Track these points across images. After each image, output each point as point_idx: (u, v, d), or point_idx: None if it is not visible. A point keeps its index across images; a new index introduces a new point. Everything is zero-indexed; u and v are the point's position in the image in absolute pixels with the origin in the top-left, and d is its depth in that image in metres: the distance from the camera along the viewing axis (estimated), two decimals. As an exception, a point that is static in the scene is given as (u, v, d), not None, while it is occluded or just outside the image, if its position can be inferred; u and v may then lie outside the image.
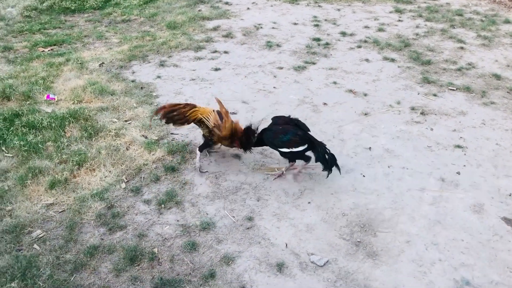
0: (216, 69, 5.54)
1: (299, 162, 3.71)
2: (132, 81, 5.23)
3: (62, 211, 3.33)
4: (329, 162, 3.55)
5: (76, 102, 4.71)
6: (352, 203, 3.46)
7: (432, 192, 3.58)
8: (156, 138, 4.16)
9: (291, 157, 3.65)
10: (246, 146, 3.73)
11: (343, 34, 6.66)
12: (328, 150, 3.59)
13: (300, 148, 3.53)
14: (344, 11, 7.75)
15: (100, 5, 8.06)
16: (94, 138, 4.10)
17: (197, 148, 3.80)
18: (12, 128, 4.19)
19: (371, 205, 3.45)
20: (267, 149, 4.05)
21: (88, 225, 3.22)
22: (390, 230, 3.23)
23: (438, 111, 4.67)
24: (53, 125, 4.23)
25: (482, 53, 6.05)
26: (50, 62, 5.61)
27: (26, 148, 3.90)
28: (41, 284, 2.76)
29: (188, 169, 3.80)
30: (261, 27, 6.94)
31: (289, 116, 3.76)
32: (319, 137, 4.19)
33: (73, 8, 7.87)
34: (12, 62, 5.70)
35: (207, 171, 3.79)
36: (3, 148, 3.94)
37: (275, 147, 3.63)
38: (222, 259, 2.98)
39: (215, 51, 6.05)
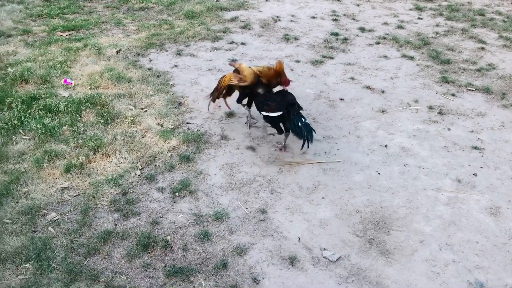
0: (233, 60, 5.52)
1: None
2: (149, 69, 5.24)
3: (77, 195, 3.36)
4: (303, 132, 3.62)
5: (93, 87, 4.73)
6: (367, 200, 3.44)
7: (448, 193, 3.55)
8: (172, 127, 4.16)
9: (270, 123, 3.84)
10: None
11: (362, 29, 6.60)
12: (304, 120, 3.67)
13: (275, 114, 3.69)
14: (364, 6, 7.67)
15: (119, -8, 8.06)
16: (110, 124, 4.11)
17: (242, 106, 4.21)
18: (29, 111, 4.21)
19: (385, 203, 3.42)
20: (282, 141, 4.04)
21: (102, 210, 3.24)
22: (404, 229, 3.20)
23: (456, 111, 4.61)
24: (70, 109, 4.25)
25: (503, 54, 5.95)
26: (68, 47, 5.63)
27: (42, 131, 3.93)
28: (55, 266, 2.78)
29: (202, 158, 3.80)
30: (279, 20, 6.90)
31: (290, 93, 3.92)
32: (334, 133, 4.18)
33: (92, -6, 7.89)
34: (30, 46, 5.74)
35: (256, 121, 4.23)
36: (21, 131, 3.97)
37: (258, 109, 3.88)
38: (234, 250, 2.98)
39: (232, 42, 6.03)
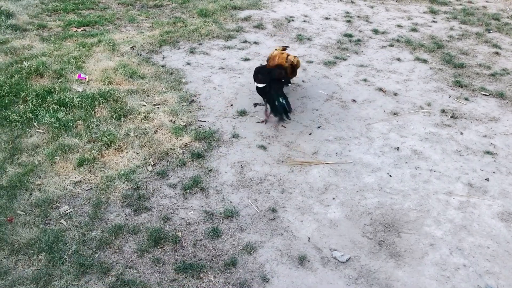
0: (246, 59, 5.54)
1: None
2: (162, 66, 5.27)
3: (89, 189, 3.39)
4: (278, 109, 4.00)
5: (106, 83, 4.76)
6: (377, 202, 3.43)
7: (459, 197, 3.53)
8: (184, 124, 4.19)
9: (258, 92, 4.30)
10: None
11: (375, 31, 6.58)
12: (282, 99, 4.01)
13: (259, 85, 4.18)
14: (377, 8, 7.64)
15: (133, -11, 8.10)
16: (123, 120, 4.14)
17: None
18: (44, 105, 4.26)
19: (396, 206, 3.41)
20: (294, 141, 4.04)
21: (114, 205, 3.27)
22: (415, 232, 3.19)
23: (469, 116, 4.58)
24: (84, 104, 4.29)
25: (517, 59, 5.90)
26: (82, 42, 5.68)
27: (56, 125, 3.97)
28: (67, 259, 2.81)
29: (214, 156, 3.81)
30: (293, 20, 6.90)
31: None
32: (346, 134, 4.18)
33: (106, -10, 7.94)
34: (45, 40, 5.79)
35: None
36: (35, 124, 4.01)
37: (254, 80, 4.33)
38: (244, 247, 2.99)
39: (245, 41, 6.04)
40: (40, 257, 2.81)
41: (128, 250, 2.93)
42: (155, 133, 4.01)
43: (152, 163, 3.68)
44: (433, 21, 7.14)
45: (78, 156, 3.66)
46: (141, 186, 3.45)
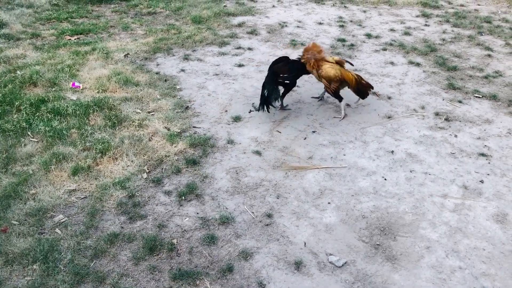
0: (240, 65, 5.55)
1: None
2: (156, 73, 5.27)
3: (84, 198, 3.38)
4: (261, 100, 4.32)
5: (100, 91, 4.76)
6: (373, 206, 3.44)
7: (454, 199, 3.54)
8: (179, 130, 4.18)
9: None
10: None
11: (369, 36, 6.61)
12: (266, 91, 4.28)
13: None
14: (370, 13, 7.69)
15: (127, -4, 8.13)
16: (117, 128, 4.14)
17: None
18: (38, 114, 4.25)
19: (391, 209, 3.42)
20: (289, 146, 4.05)
21: (109, 213, 3.26)
22: (410, 235, 3.20)
23: (463, 118, 4.61)
24: (78, 112, 4.29)
25: (510, 61, 5.94)
26: (76, 51, 5.68)
27: (51, 133, 3.96)
28: (62, 268, 2.80)
29: (209, 162, 3.81)
30: (286, 26, 6.93)
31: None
32: (341, 138, 4.19)
33: (100, -2, 7.96)
34: (39, 49, 5.79)
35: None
36: (29, 133, 4.00)
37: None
38: (240, 254, 2.99)
39: (239, 47, 6.06)
40: (35, 267, 2.79)
41: (124, 258, 2.92)
42: (150, 140, 4.01)
43: (147, 171, 3.67)
44: (426, 25, 7.19)
45: (72, 164, 3.65)
46: (136, 193, 3.44)
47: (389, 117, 4.56)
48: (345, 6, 8.00)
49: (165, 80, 5.10)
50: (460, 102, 4.91)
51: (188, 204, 3.38)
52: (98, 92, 4.75)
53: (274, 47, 6.11)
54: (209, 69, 5.44)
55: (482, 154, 4.06)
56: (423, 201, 3.51)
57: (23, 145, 3.86)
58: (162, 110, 4.48)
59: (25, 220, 3.14)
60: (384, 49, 6.17)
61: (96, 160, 3.72)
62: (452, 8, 8.12)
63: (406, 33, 6.76)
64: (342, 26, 7.00)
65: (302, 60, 4.44)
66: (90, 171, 3.61)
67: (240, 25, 6.86)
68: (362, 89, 4.52)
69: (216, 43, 6.16)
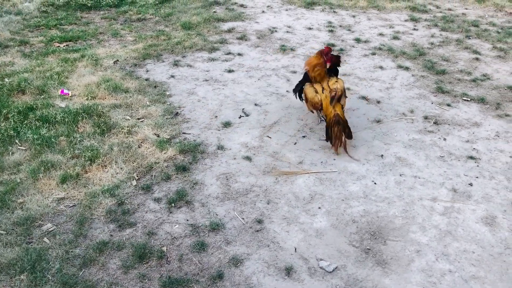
0: (230, 71, 5.55)
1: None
2: (146, 79, 5.26)
3: (72, 206, 3.35)
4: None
5: (89, 98, 4.74)
6: (363, 210, 3.44)
7: (444, 203, 3.55)
8: (168, 137, 4.17)
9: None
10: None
11: (358, 40, 6.65)
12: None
13: None
14: (359, 18, 7.73)
15: (116, 3, 8.10)
16: (106, 135, 4.12)
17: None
18: (26, 122, 4.22)
19: (381, 213, 3.43)
20: (279, 152, 4.05)
21: (98, 221, 3.23)
22: (400, 239, 3.20)
23: (452, 121, 4.64)
24: (67, 120, 4.26)
25: (497, 64, 6.00)
26: (65, 58, 5.65)
27: (39, 141, 3.93)
28: (50, 278, 2.77)
29: (199, 169, 3.80)
30: (276, 31, 6.95)
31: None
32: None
33: (89, 5, 7.93)
34: (27, 56, 5.75)
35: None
36: (17, 141, 3.97)
37: None
38: (230, 260, 2.97)
39: (229, 53, 6.06)
40: (22, 277, 2.76)
41: (113, 266, 2.90)
42: (139, 147, 3.99)
43: (137, 178, 3.65)
44: (414, 29, 7.25)
45: (61, 172, 3.62)
46: (125, 201, 3.42)
47: (378, 121, 4.58)
48: (334, 11, 8.04)
49: (155, 87, 5.09)
50: (448, 105, 4.94)
51: (178, 211, 3.36)
52: (87, 99, 4.72)
53: (264, 53, 6.13)
54: (199, 75, 5.44)
55: (471, 157, 4.09)
56: (412, 204, 3.52)
57: (10, 153, 3.82)
58: (152, 117, 4.47)
59: (13, 229, 3.10)
60: (373, 54, 6.21)
61: (85, 168, 3.70)
62: (440, 12, 8.20)
63: (395, 38, 6.81)
64: (331, 31, 7.03)
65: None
66: (79, 179, 3.59)
67: (230, 30, 6.87)
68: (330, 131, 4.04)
69: (206, 49, 6.17)
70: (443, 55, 6.22)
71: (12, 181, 3.51)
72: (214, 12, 7.72)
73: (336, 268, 2.96)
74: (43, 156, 3.79)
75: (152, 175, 3.69)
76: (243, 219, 3.32)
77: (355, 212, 3.43)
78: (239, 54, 6.04)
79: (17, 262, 2.84)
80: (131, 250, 3.00)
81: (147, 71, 5.49)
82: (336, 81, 4.17)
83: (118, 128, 4.21)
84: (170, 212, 3.35)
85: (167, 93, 4.98)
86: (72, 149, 3.88)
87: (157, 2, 8.21)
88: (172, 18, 7.39)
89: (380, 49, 6.38)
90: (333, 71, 4.34)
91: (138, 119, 4.42)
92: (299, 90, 4.48)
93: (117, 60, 5.70)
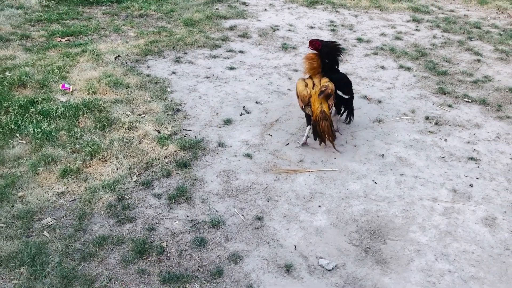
0: (231, 68, 5.54)
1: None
2: (147, 75, 5.25)
3: (72, 200, 3.34)
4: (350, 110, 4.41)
5: (90, 93, 4.73)
6: (363, 209, 3.44)
7: (444, 203, 3.55)
8: (169, 133, 4.16)
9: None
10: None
11: (360, 40, 6.65)
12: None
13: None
14: (361, 17, 7.73)
15: (118, -2, 8.09)
16: (107, 130, 4.11)
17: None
18: (26, 115, 4.21)
19: (381, 212, 3.43)
20: (280, 149, 4.05)
21: (98, 216, 3.23)
22: (400, 239, 3.20)
23: (453, 122, 4.64)
24: (67, 114, 4.25)
25: (499, 66, 6.01)
26: (66, 52, 5.64)
27: (39, 135, 3.92)
28: (50, 271, 2.76)
29: (199, 165, 3.79)
30: (278, 29, 6.94)
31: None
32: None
33: (91, 0, 7.91)
34: (29, 50, 5.74)
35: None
36: (17, 135, 3.96)
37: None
38: (230, 257, 2.97)
39: (231, 50, 6.05)
40: (22, 270, 2.75)
41: (113, 261, 2.89)
42: (140, 143, 3.98)
43: (137, 173, 3.65)
44: (416, 30, 7.25)
45: (61, 166, 3.61)
46: (125, 196, 3.41)
47: (379, 121, 4.58)
48: (336, 11, 8.04)
49: (156, 83, 5.08)
50: (450, 106, 4.94)
51: (178, 207, 3.36)
52: (88, 94, 4.71)
53: (265, 51, 6.12)
54: (200, 71, 5.43)
55: (472, 158, 4.09)
56: (413, 204, 3.52)
57: (11, 147, 3.82)
58: (153, 113, 4.46)
59: (13, 222, 3.10)
60: (375, 53, 6.21)
61: (86, 162, 3.69)
62: (443, 13, 8.20)
63: (397, 38, 6.81)
64: (333, 30, 7.03)
65: None
66: (79, 174, 3.58)
67: (231, 28, 6.87)
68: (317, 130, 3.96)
69: (208, 46, 6.16)
70: (445, 56, 6.22)
71: (13, 175, 3.50)
72: (216, 9, 7.71)
73: (335, 266, 2.96)
74: (44, 150, 3.78)
75: (152, 171, 3.69)
76: (243, 216, 3.32)
77: (355, 211, 3.43)
78: (241, 52, 6.03)
79: (16, 255, 2.83)
80: (130, 245, 3.00)
81: (149, 67, 5.48)
82: (329, 81, 4.03)
83: (119, 123, 4.20)
84: (170, 208, 3.34)
85: (168, 89, 4.97)
86: (72, 144, 3.87)
87: (159, -2, 8.19)
88: (174, 15, 7.38)
89: (382, 49, 6.38)
90: (331, 70, 4.20)
91: (139, 114, 4.42)
92: None
93: (119, 56, 5.69)
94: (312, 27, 7.11)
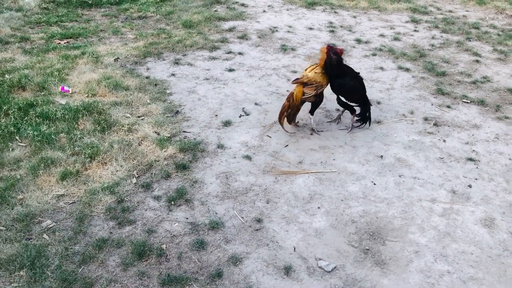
0: (230, 70, 5.55)
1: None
2: (146, 77, 5.26)
3: (72, 203, 3.35)
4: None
5: (90, 95, 4.74)
6: (362, 211, 3.45)
7: (443, 204, 3.56)
8: (168, 135, 4.17)
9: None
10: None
11: (358, 41, 6.66)
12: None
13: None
14: (360, 18, 7.74)
15: (117, 0, 8.09)
16: (106, 132, 4.12)
17: (310, 117, 4.37)
18: (26, 118, 4.22)
19: (381, 214, 3.43)
20: (279, 151, 4.06)
21: (98, 218, 3.24)
22: (399, 240, 3.21)
23: (451, 123, 4.65)
24: (67, 117, 4.26)
25: (497, 67, 6.02)
26: (65, 55, 5.65)
27: (39, 138, 3.93)
28: (49, 274, 2.77)
29: (198, 167, 3.80)
30: (277, 31, 6.95)
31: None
32: (331, 143, 4.20)
33: (90, 2, 7.92)
34: (28, 53, 5.75)
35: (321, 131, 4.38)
36: (17, 137, 3.97)
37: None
38: (229, 259, 2.98)
39: (230, 52, 6.06)
40: (21, 273, 2.76)
41: (112, 264, 2.90)
42: (139, 145, 3.99)
43: (136, 175, 3.65)
44: (415, 30, 7.26)
45: (61, 169, 3.62)
46: (125, 198, 3.42)
47: (378, 122, 4.59)
48: (335, 12, 8.05)
49: (155, 85, 5.09)
50: (448, 107, 4.95)
51: (178, 209, 3.37)
52: (87, 96, 4.72)
53: (264, 52, 6.13)
54: (200, 73, 5.44)
55: (470, 159, 4.10)
56: (412, 205, 3.53)
57: (11, 149, 3.82)
58: (152, 115, 4.47)
59: (12, 225, 3.10)
60: (374, 54, 6.22)
61: (85, 165, 3.70)
62: (441, 14, 8.21)
63: (396, 39, 6.82)
64: (332, 31, 7.04)
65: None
66: (79, 176, 3.59)
67: (230, 29, 6.88)
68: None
69: (207, 47, 6.17)
70: (444, 57, 6.23)
71: (12, 178, 3.51)
72: (215, 11, 7.72)
73: (335, 267, 2.97)
74: (43, 152, 3.79)
75: (152, 173, 3.70)
76: (243, 218, 3.32)
77: (354, 212, 3.43)
78: (240, 53, 6.04)
79: (16, 258, 2.84)
80: (130, 247, 3.00)
81: (148, 69, 5.49)
82: (313, 71, 4.15)
83: (119, 125, 4.21)
84: (170, 210, 3.35)
85: (168, 91, 4.98)
86: (72, 146, 3.88)
87: (158, 0, 8.20)
88: (173, 17, 7.39)
89: (380, 50, 6.39)
90: (338, 76, 4.24)
91: (139, 117, 4.43)
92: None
93: (118, 58, 5.70)
94: (311, 28, 7.12)
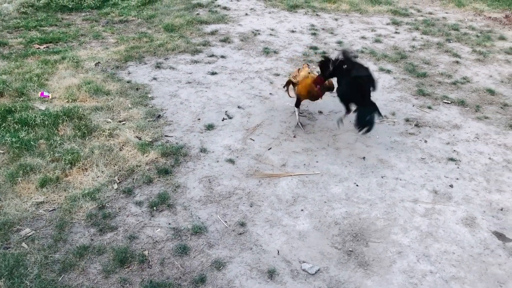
0: (213, 73, 5.53)
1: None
2: (128, 81, 5.21)
3: (52, 210, 3.29)
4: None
5: (70, 100, 4.67)
6: (345, 212, 3.46)
7: (425, 204, 3.59)
8: (150, 140, 4.13)
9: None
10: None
11: (340, 43, 6.69)
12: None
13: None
14: (342, 21, 7.79)
15: (98, 4, 8.02)
16: (87, 138, 4.06)
17: (296, 110, 4.52)
18: (4, 124, 4.13)
19: (363, 215, 3.44)
20: (262, 154, 4.05)
21: (79, 225, 3.19)
22: (382, 241, 3.22)
23: (433, 124, 4.69)
24: (46, 122, 4.19)
25: (477, 68, 6.11)
26: (45, 60, 5.57)
27: (18, 144, 3.85)
28: (28, 284, 2.71)
29: (181, 172, 3.77)
30: (259, 34, 6.95)
31: None
32: (313, 145, 4.21)
33: (70, 6, 7.83)
34: (6, 58, 5.65)
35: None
36: (-5, 144, 3.89)
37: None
38: (213, 264, 2.96)
39: (212, 55, 6.04)
40: (-1, 283, 2.70)
41: (94, 271, 2.85)
42: (121, 150, 3.94)
43: (118, 181, 3.61)
44: (396, 32, 7.33)
45: (40, 176, 3.56)
46: (106, 205, 3.37)
47: (360, 124, 4.61)
48: (317, 14, 8.09)
49: (137, 89, 5.05)
50: (429, 108, 5.00)
51: (160, 215, 3.33)
52: (67, 101, 4.66)
53: (247, 55, 6.13)
54: (182, 77, 5.41)
55: (451, 159, 4.14)
56: (394, 206, 3.55)
57: (-12, 157, 3.75)
58: (134, 119, 4.43)
59: (-10, 234, 3.04)
60: (356, 57, 6.25)
61: (65, 171, 3.64)
62: (421, 16, 8.31)
63: (377, 41, 6.88)
64: (314, 34, 7.07)
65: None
66: (59, 183, 3.53)
67: (213, 33, 6.86)
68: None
69: (189, 51, 6.14)
70: (424, 58, 6.30)
71: (-10, 185, 3.44)
72: (197, 14, 7.70)
73: (318, 270, 2.97)
74: (22, 159, 3.72)
75: (133, 178, 3.66)
76: (226, 222, 3.30)
77: (338, 214, 3.44)
78: (222, 57, 6.02)
79: (-6, 268, 2.78)
80: (112, 254, 2.96)
81: (129, 73, 5.44)
82: (305, 72, 4.46)
83: (99, 131, 4.16)
84: (152, 216, 3.31)
85: (149, 95, 4.94)
86: (52, 152, 3.82)
87: (139, 4, 8.15)
88: (154, 20, 7.34)
89: (362, 52, 6.43)
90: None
91: (120, 121, 4.38)
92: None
93: (99, 62, 5.63)
94: (293, 31, 7.14)
